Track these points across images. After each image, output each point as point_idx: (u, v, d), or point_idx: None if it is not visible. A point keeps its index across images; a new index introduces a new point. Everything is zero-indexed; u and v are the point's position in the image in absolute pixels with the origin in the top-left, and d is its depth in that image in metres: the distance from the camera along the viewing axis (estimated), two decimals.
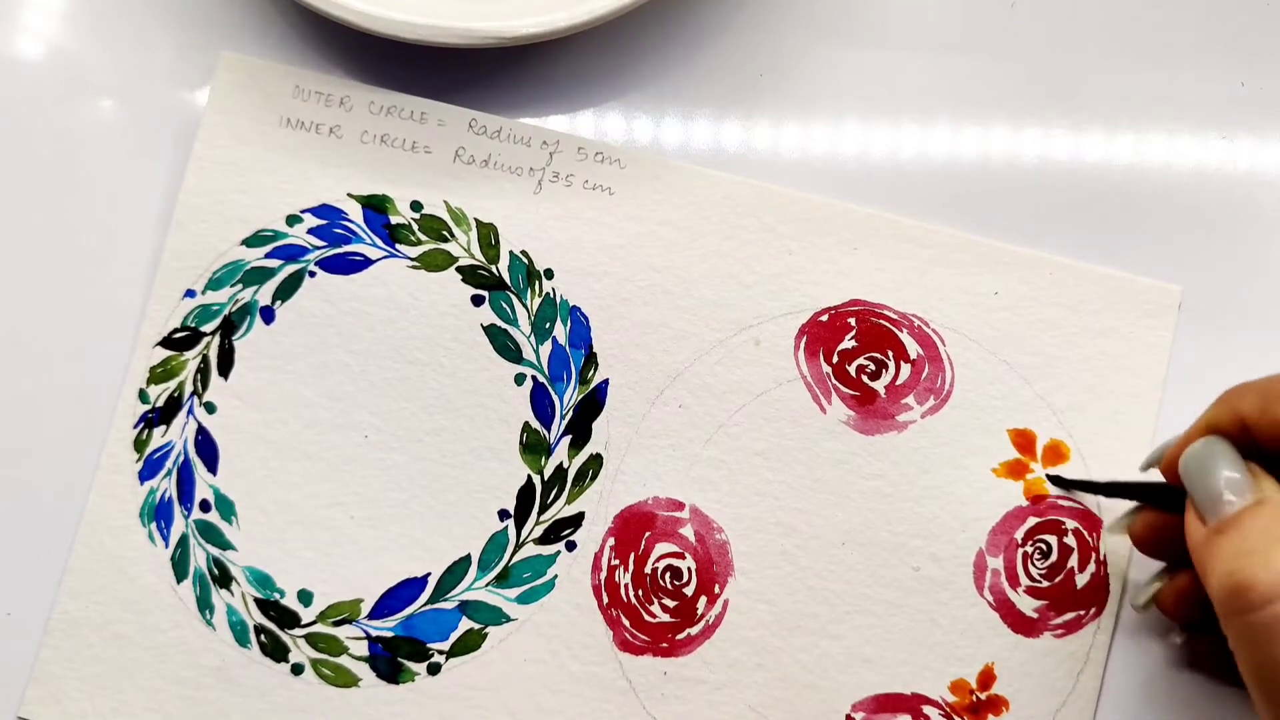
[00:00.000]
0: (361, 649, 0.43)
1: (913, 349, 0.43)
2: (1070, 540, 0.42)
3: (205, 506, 0.44)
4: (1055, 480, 0.42)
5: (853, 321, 0.44)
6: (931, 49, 0.46)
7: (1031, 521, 0.42)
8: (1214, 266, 0.44)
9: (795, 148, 0.46)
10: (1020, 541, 0.42)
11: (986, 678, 0.42)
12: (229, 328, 0.45)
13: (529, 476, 0.44)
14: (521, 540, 0.43)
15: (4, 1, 0.47)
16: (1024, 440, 0.43)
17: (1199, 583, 0.36)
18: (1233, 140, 0.45)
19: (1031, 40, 0.46)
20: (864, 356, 0.43)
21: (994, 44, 0.46)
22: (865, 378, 0.43)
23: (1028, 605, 0.42)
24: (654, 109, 0.46)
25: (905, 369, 0.43)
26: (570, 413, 0.44)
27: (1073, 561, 0.42)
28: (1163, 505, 0.39)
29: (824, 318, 0.44)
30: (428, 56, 0.46)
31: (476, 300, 0.44)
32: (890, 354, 0.43)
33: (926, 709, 0.42)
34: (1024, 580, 0.42)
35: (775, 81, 0.46)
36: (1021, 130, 0.45)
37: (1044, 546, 0.42)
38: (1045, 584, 0.42)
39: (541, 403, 0.44)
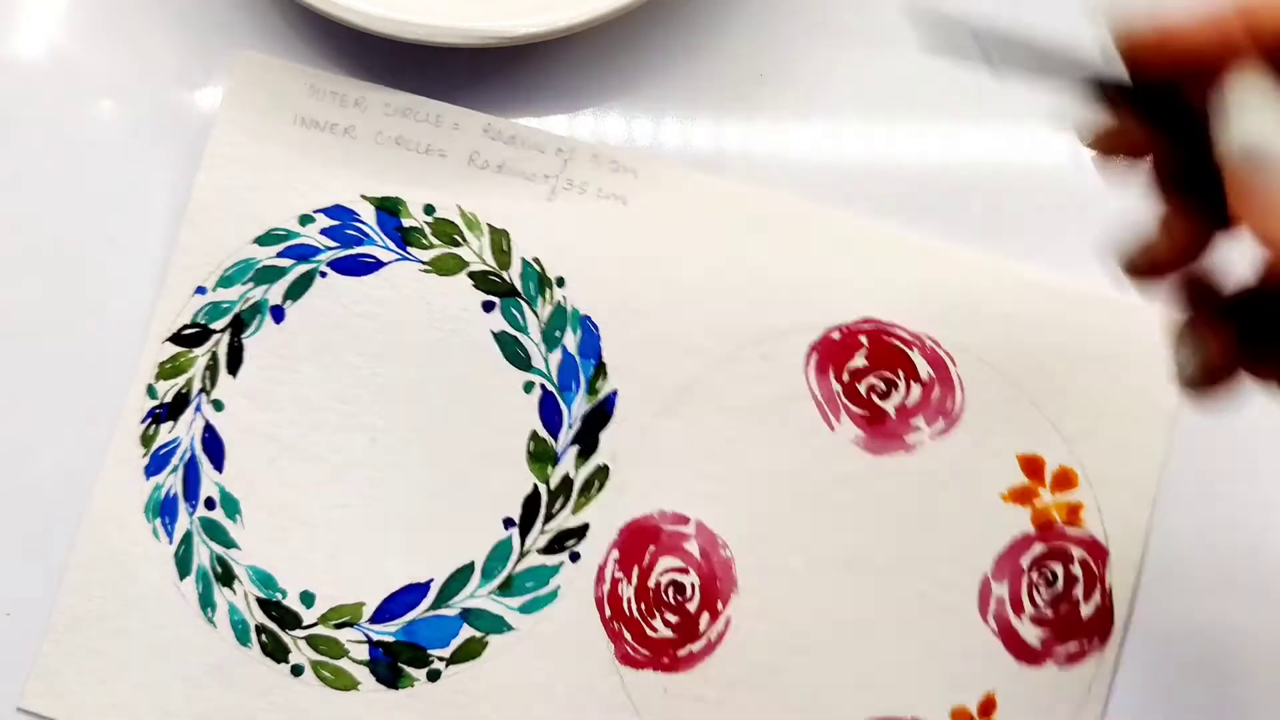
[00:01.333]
0: (362, 653, 0.43)
1: (924, 369, 0.43)
2: (1076, 569, 0.42)
3: (210, 504, 0.44)
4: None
5: (864, 339, 0.43)
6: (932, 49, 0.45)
7: (1038, 549, 0.42)
8: None
9: (795, 148, 0.46)
10: (1026, 569, 0.42)
11: (987, 706, 0.42)
12: (239, 326, 0.44)
13: (535, 485, 0.43)
14: (525, 549, 0.43)
15: (4, 2, 0.47)
16: (1033, 466, 0.42)
17: None
18: None
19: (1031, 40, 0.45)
20: (874, 375, 0.43)
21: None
22: (875, 397, 0.43)
23: (1032, 634, 0.42)
24: (654, 109, 0.46)
25: (916, 389, 0.43)
26: (578, 423, 0.44)
27: (1078, 591, 0.42)
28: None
29: (836, 335, 0.43)
30: (428, 56, 0.45)
31: (487, 306, 0.44)
32: (901, 373, 0.43)
33: None
34: (1028, 608, 0.42)
35: (775, 81, 0.46)
36: (1022, 131, 0.45)
37: (1049, 575, 0.42)
38: (1050, 613, 0.42)
39: (550, 412, 0.44)
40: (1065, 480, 0.42)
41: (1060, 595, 0.42)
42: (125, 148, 0.46)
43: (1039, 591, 0.42)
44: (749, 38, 0.46)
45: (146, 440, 0.44)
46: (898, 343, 0.43)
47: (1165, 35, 0.26)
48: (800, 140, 0.45)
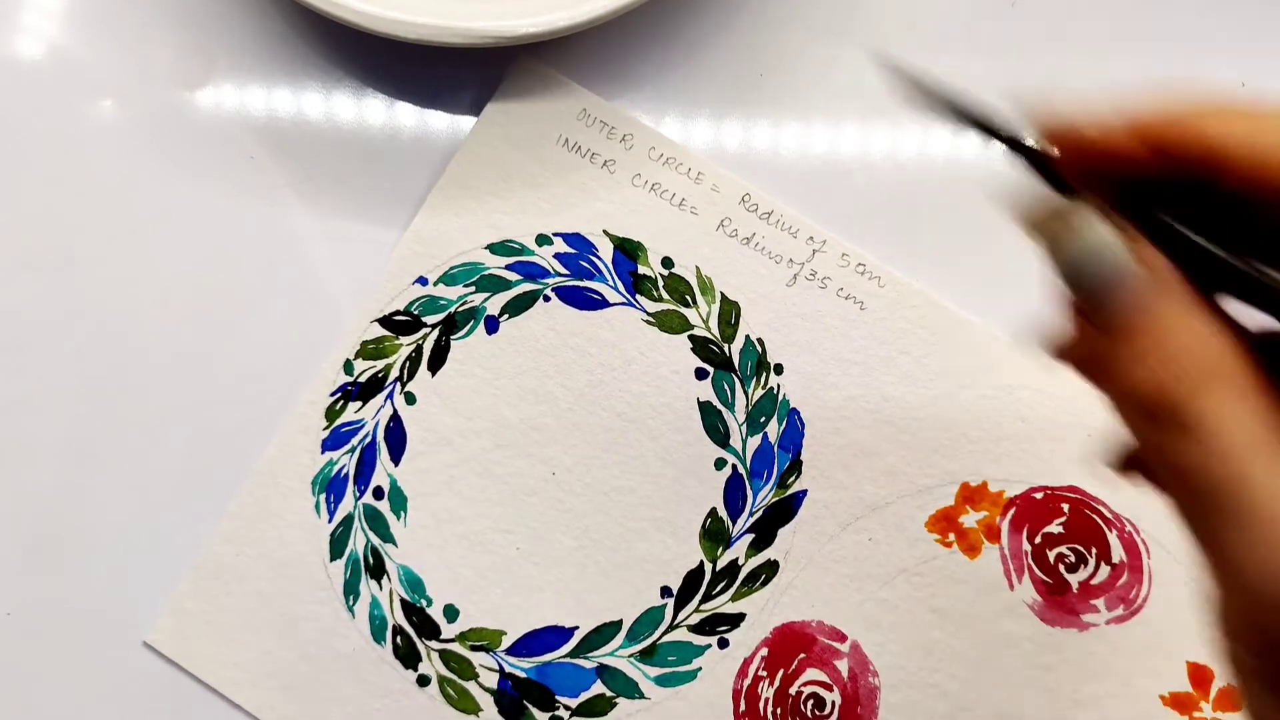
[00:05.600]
0: (491, 680, 0.43)
1: (1117, 553, 0.42)
2: None
3: (378, 494, 0.43)
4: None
5: (1066, 508, 0.43)
6: (932, 49, 0.45)
7: None
8: None
9: (795, 148, 0.45)
10: None
11: None
12: (451, 326, 0.44)
13: (701, 562, 0.43)
14: (676, 622, 0.43)
15: (4, 2, 0.47)
16: (1200, 677, 0.42)
17: None
18: None
19: (1031, 40, 0.45)
20: (1067, 545, 0.43)
21: (994, 44, 0.45)
22: (1063, 567, 0.42)
23: None
24: (654, 109, 0.46)
25: (1104, 570, 0.42)
26: (760, 512, 0.43)
27: None
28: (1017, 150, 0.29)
29: (1039, 495, 0.43)
30: (428, 56, 0.45)
31: (700, 374, 0.44)
32: (1094, 551, 0.42)
33: None
34: None
35: (775, 81, 0.46)
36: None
37: None
38: None
39: (735, 494, 0.43)
40: (1230, 701, 0.42)
41: None
42: (115, 150, 0.46)
43: None
44: (749, 38, 0.46)
45: (331, 414, 0.44)
46: (1098, 520, 0.43)
47: (1066, 134, 0.27)
48: (800, 140, 0.45)
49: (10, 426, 0.44)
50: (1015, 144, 0.28)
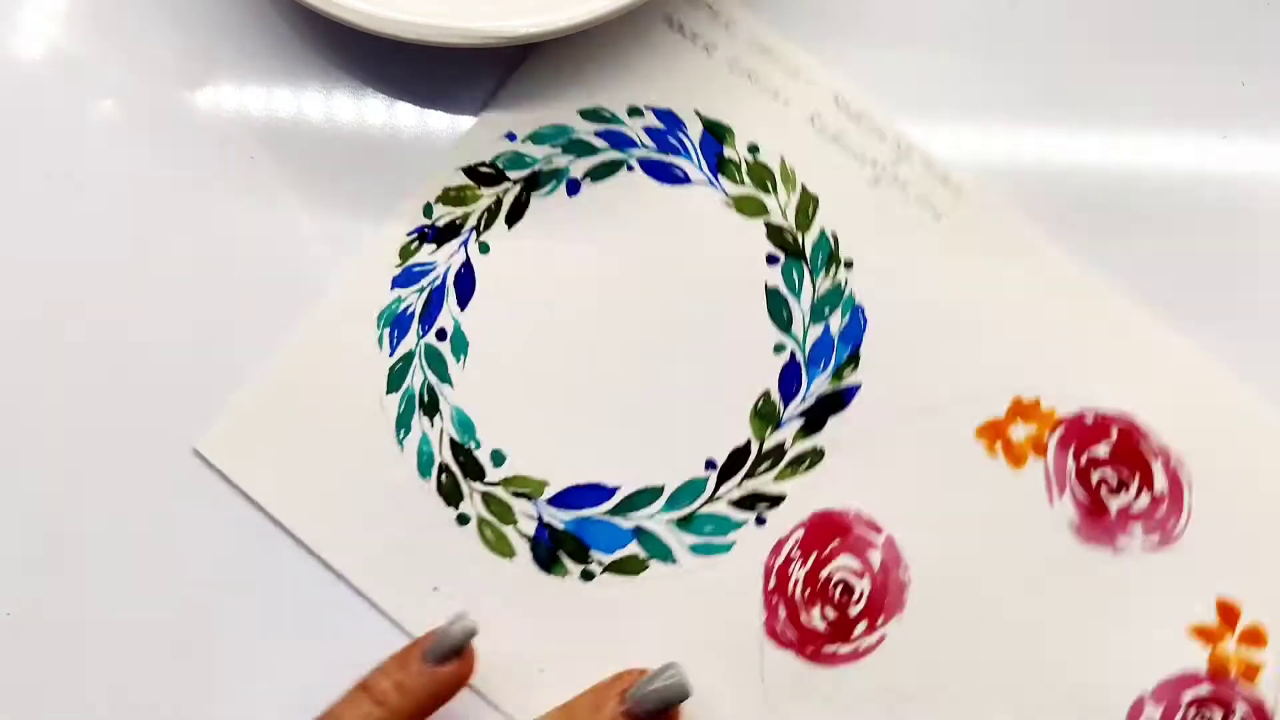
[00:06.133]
0: (529, 528, 0.43)
1: (1160, 483, 0.43)
2: None
3: (441, 335, 0.44)
4: None
5: (1114, 432, 0.43)
6: (931, 49, 0.46)
7: (1204, 690, 0.42)
8: (1213, 266, 0.44)
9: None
10: (1185, 704, 0.42)
11: None
12: (533, 183, 0.45)
13: (749, 440, 0.44)
14: (717, 495, 0.43)
15: (4, 2, 0.47)
16: (1229, 612, 0.42)
17: None
18: (1233, 140, 0.44)
19: (1031, 40, 0.46)
20: (1111, 469, 0.43)
21: (994, 44, 0.46)
22: (1105, 490, 0.43)
23: None
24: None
25: (1144, 498, 0.43)
26: (813, 399, 0.44)
27: None
28: None
29: (1089, 418, 0.43)
30: (428, 56, 0.45)
31: (771, 259, 0.44)
32: (1137, 478, 0.43)
33: None
34: None
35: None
36: (1021, 131, 0.45)
37: (1206, 719, 0.42)
38: None
39: (790, 379, 0.44)
40: (1256, 637, 0.42)
41: None
42: (115, 150, 0.46)
43: None
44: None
45: (405, 253, 0.45)
46: (1145, 449, 0.43)
47: None
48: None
49: (11, 426, 0.45)
50: None
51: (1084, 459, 0.43)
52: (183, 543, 0.44)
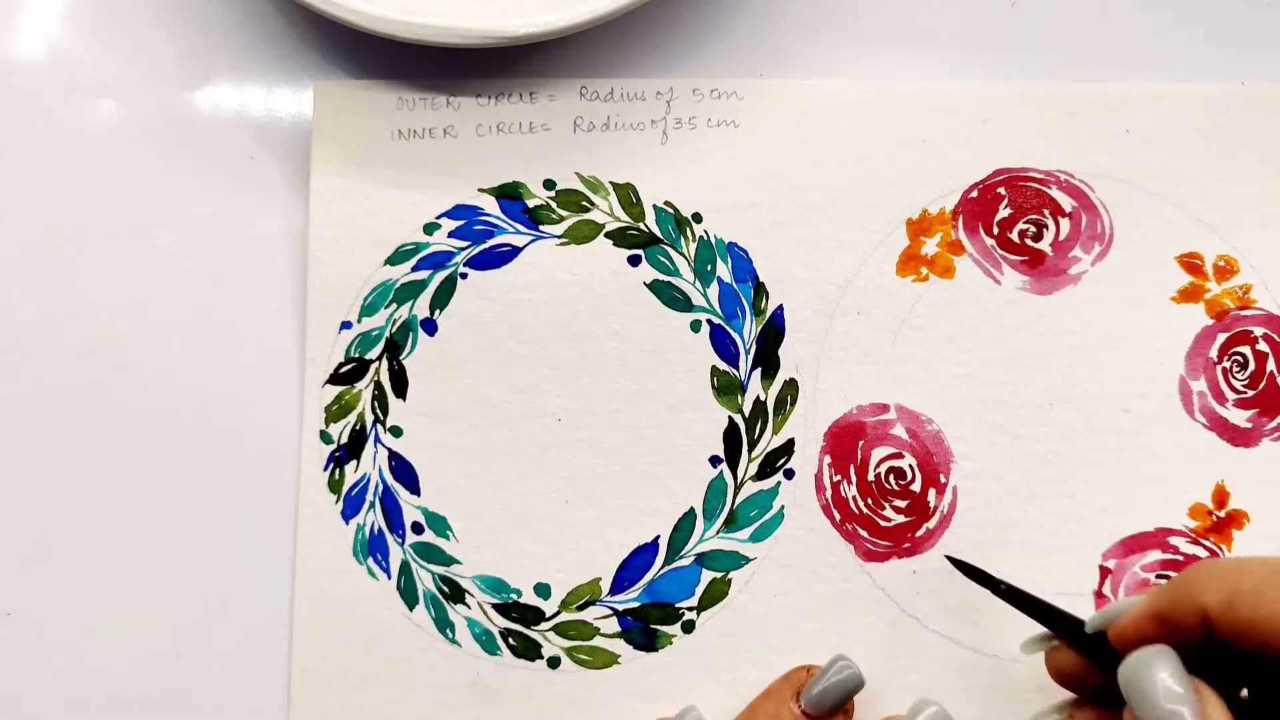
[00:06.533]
0: (612, 626, 0.43)
1: (1066, 203, 0.44)
2: (1263, 346, 0.43)
3: (418, 529, 0.43)
4: (954, 561, 0.41)
5: (1003, 190, 0.44)
6: (931, 49, 0.47)
7: (1221, 338, 0.43)
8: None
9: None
10: (1216, 359, 0.43)
11: (1220, 496, 0.43)
12: (394, 349, 0.44)
13: (730, 418, 0.44)
14: (740, 481, 0.43)
15: (4, 2, 0.47)
16: (1193, 264, 0.44)
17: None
18: None
19: (1031, 40, 0.46)
20: (1023, 221, 0.44)
21: (994, 44, 0.46)
22: (1029, 241, 0.44)
23: (1239, 417, 0.43)
24: None
25: (1064, 224, 0.44)
26: (754, 346, 0.44)
27: (1270, 366, 0.43)
28: (1075, 643, 0.37)
29: (974, 194, 0.44)
30: (427, 56, 0.45)
31: (633, 260, 0.44)
32: (1046, 213, 0.44)
33: (1173, 539, 0.43)
34: (1229, 395, 0.43)
35: (775, 81, 0.46)
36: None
37: (1240, 358, 0.43)
38: (1250, 393, 0.43)
39: (723, 343, 0.44)
40: (1227, 269, 0.44)
41: (1255, 374, 0.43)
42: (114, 150, 0.46)
43: (1235, 376, 0.43)
44: (749, 38, 0.47)
45: (334, 486, 0.44)
46: (1034, 184, 0.44)
47: (1113, 627, 0.34)
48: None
49: (10, 426, 0.44)
50: (1073, 632, 0.36)
51: (995, 229, 0.44)
52: (183, 543, 0.44)
